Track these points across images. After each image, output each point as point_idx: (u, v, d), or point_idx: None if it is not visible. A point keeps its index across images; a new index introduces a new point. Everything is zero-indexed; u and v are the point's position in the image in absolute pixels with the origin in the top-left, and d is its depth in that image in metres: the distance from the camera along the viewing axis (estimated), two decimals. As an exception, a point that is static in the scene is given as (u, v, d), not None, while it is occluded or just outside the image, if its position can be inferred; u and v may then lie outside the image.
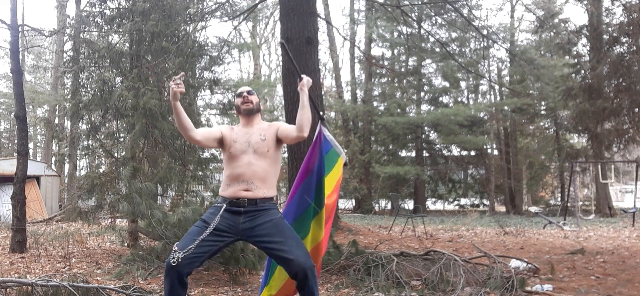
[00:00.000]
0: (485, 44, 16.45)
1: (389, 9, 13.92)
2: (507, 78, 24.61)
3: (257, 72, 26.59)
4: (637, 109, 14.97)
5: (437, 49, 20.60)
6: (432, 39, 20.31)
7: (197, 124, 8.17)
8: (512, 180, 22.53)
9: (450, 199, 23.96)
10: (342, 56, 32.75)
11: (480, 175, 23.59)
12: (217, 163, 10.05)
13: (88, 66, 8.52)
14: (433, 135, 23.17)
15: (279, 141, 3.09)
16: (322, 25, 21.86)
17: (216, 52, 11.69)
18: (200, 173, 8.38)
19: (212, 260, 4.69)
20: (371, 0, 16.74)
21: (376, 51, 24.63)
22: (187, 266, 2.78)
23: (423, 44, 20.87)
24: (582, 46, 18.88)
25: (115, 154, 8.89)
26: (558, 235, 9.85)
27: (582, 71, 18.08)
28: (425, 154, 22.75)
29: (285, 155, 9.41)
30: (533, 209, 18.21)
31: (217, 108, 16.49)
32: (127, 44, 8.58)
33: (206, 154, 9.09)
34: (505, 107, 22.43)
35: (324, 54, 26.40)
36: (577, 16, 54.22)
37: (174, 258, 2.75)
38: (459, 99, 23.52)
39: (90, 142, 8.69)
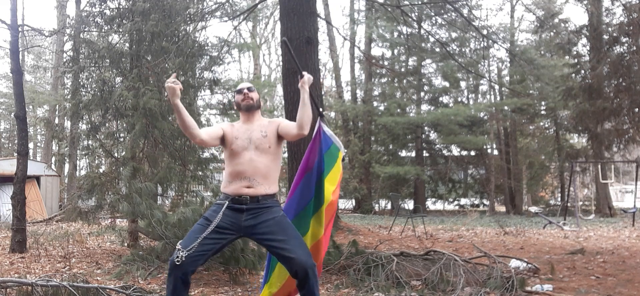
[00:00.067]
0: (485, 44, 16.45)
1: (389, 9, 13.92)
2: (507, 78, 24.62)
3: (257, 72, 26.59)
4: (637, 109, 14.97)
5: (437, 49, 20.61)
6: (432, 39, 20.33)
7: (197, 124, 8.14)
8: (512, 180, 22.54)
9: (450, 199, 23.96)
10: (342, 56, 32.79)
11: (480, 175, 23.60)
12: (217, 162, 10.05)
13: (88, 66, 8.52)
14: (433, 135, 23.18)
15: (279, 137, 3.09)
16: (322, 25, 21.89)
17: (216, 52, 11.71)
18: (200, 173, 8.38)
19: (212, 259, 4.70)
20: (371, 0, 16.74)
21: (376, 51, 24.68)
22: (191, 264, 2.79)
23: (423, 44, 20.87)
24: (582, 46, 18.90)
25: (115, 154, 8.89)
26: (558, 235, 9.85)
27: (582, 71, 18.08)
28: (425, 154, 22.75)
29: (285, 155, 9.41)
30: (533, 209, 18.21)
31: (217, 108, 16.53)
32: (127, 44, 8.58)
33: (206, 154, 9.09)
34: (505, 107, 22.44)
35: (324, 54, 26.44)
36: (577, 16, 54.27)
37: (177, 256, 2.75)
38: (459, 99, 23.52)
39: (90, 142, 8.68)
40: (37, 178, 16.60)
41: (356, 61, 24.22)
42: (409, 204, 20.97)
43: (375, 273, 4.65)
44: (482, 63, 21.42)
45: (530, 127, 24.57)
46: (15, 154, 8.19)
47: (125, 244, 7.84)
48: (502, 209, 22.90)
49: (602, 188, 18.90)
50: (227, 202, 2.93)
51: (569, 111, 19.53)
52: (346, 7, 37.74)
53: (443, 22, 19.48)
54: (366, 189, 21.27)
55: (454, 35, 20.02)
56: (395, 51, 23.37)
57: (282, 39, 4.39)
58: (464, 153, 23.24)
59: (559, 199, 24.00)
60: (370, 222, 13.72)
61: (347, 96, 24.62)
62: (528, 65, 16.86)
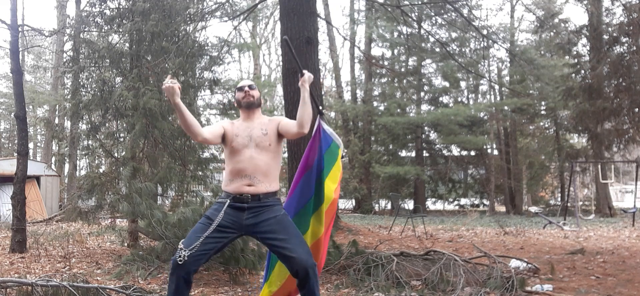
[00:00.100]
0: (485, 44, 16.45)
1: (389, 9, 13.92)
2: (507, 78, 24.62)
3: (257, 72, 26.59)
4: (637, 109, 14.97)
5: (437, 49, 20.61)
6: (432, 39, 20.32)
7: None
8: (512, 180, 22.54)
9: (450, 199, 23.96)
10: (342, 56, 32.80)
11: (480, 175, 23.60)
12: (217, 162, 10.05)
13: (88, 66, 8.52)
14: (433, 135, 23.18)
15: (280, 135, 3.09)
16: (322, 25, 21.89)
17: (216, 52, 11.71)
18: (200, 173, 8.37)
19: (212, 259, 4.69)
20: (371, 0, 16.74)
21: (376, 51, 24.68)
22: (193, 263, 2.79)
23: (423, 44, 20.87)
24: (582, 46, 18.89)
25: (115, 154, 8.89)
26: (558, 235, 9.85)
27: (582, 71, 18.08)
28: (425, 154, 22.75)
29: (285, 155, 9.40)
30: (533, 209, 18.21)
31: (217, 108, 16.55)
32: (127, 44, 8.58)
33: (206, 154, 9.09)
34: (505, 107, 22.44)
35: (324, 54, 26.44)
36: (577, 16, 54.26)
37: (180, 256, 2.75)
38: (459, 99, 23.52)
39: (90, 142, 8.68)
40: (37, 178, 16.60)
41: (356, 61, 24.24)
42: (409, 204, 20.96)
43: (375, 273, 4.65)
44: (482, 63, 21.43)
45: (530, 127, 24.57)
46: (15, 154, 8.19)
47: (125, 244, 7.84)
48: (502, 209, 22.90)
49: (602, 188, 18.90)
50: (228, 201, 2.93)
51: (569, 111, 19.53)
52: (346, 7, 37.78)
53: (443, 22, 19.48)
54: (366, 189, 21.27)
55: (454, 35, 20.02)
56: (395, 51, 23.37)
57: (283, 38, 4.39)
58: (464, 153, 23.24)
59: (559, 199, 23.99)
60: (370, 222, 13.72)
61: (347, 96, 24.65)
62: (528, 65, 16.86)
